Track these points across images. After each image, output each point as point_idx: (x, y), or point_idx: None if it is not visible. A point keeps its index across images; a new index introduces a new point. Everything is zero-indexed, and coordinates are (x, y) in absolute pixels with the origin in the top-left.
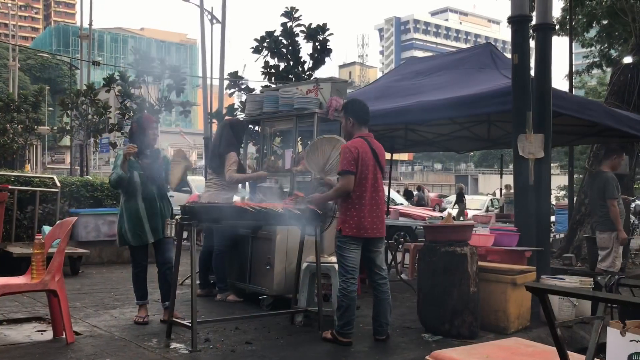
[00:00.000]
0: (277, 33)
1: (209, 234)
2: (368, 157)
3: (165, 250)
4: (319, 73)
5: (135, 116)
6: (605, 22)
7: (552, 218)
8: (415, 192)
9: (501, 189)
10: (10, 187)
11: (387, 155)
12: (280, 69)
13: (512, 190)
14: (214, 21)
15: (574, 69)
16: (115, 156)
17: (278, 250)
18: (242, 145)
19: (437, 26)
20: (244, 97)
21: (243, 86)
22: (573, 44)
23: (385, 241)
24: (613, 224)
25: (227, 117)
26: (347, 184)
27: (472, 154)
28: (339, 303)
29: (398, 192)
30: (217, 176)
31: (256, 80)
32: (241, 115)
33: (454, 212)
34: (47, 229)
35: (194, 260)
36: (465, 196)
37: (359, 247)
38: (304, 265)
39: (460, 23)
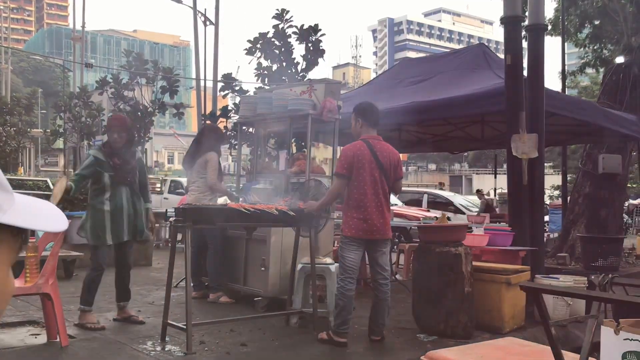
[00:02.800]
0: (270, 35)
1: (196, 235)
2: (365, 160)
3: (127, 254)
4: (313, 74)
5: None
6: (597, 22)
7: (546, 218)
8: None
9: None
10: None
11: None
12: (274, 69)
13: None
14: (207, 23)
15: (568, 69)
16: (87, 157)
17: (273, 251)
18: (240, 149)
19: (431, 27)
20: (237, 99)
21: (237, 88)
22: (566, 44)
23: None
24: None
25: (208, 122)
26: (338, 187)
27: (465, 154)
28: (335, 301)
29: None
30: (199, 179)
31: (250, 82)
32: (235, 117)
33: None
34: (40, 232)
35: (189, 263)
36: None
37: (360, 248)
38: (299, 266)
39: (454, 24)
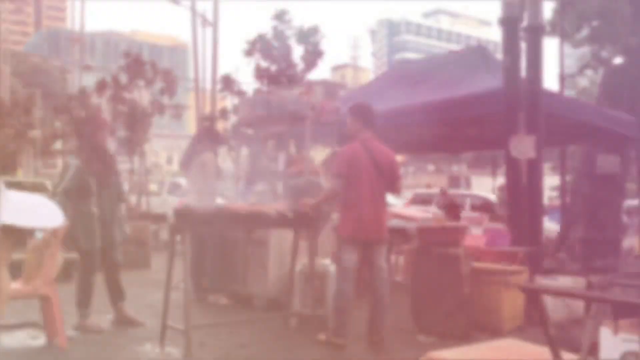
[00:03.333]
0: (269, 36)
1: (195, 236)
2: (362, 161)
3: (115, 255)
4: (311, 75)
5: (87, 116)
6: (595, 23)
7: (545, 218)
8: None
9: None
10: None
11: None
12: (273, 70)
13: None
14: (206, 24)
15: (567, 71)
16: (66, 166)
17: (272, 253)
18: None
19: (429, 28)
20: (236, 100)
21: (236, 89)
22: (565, 45)
23: None
24: None
25: (205, 124)
26: (334, 187)
27: (464, 155)
28: (334, 303)
29: None
30: (197, 181)
31: (249, 82)
32: (234, 118)
33: None
34: (39, 234)
35: (187, 265)
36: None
37: (357, 249)
38: (298, 268)
39: (453, 25)
